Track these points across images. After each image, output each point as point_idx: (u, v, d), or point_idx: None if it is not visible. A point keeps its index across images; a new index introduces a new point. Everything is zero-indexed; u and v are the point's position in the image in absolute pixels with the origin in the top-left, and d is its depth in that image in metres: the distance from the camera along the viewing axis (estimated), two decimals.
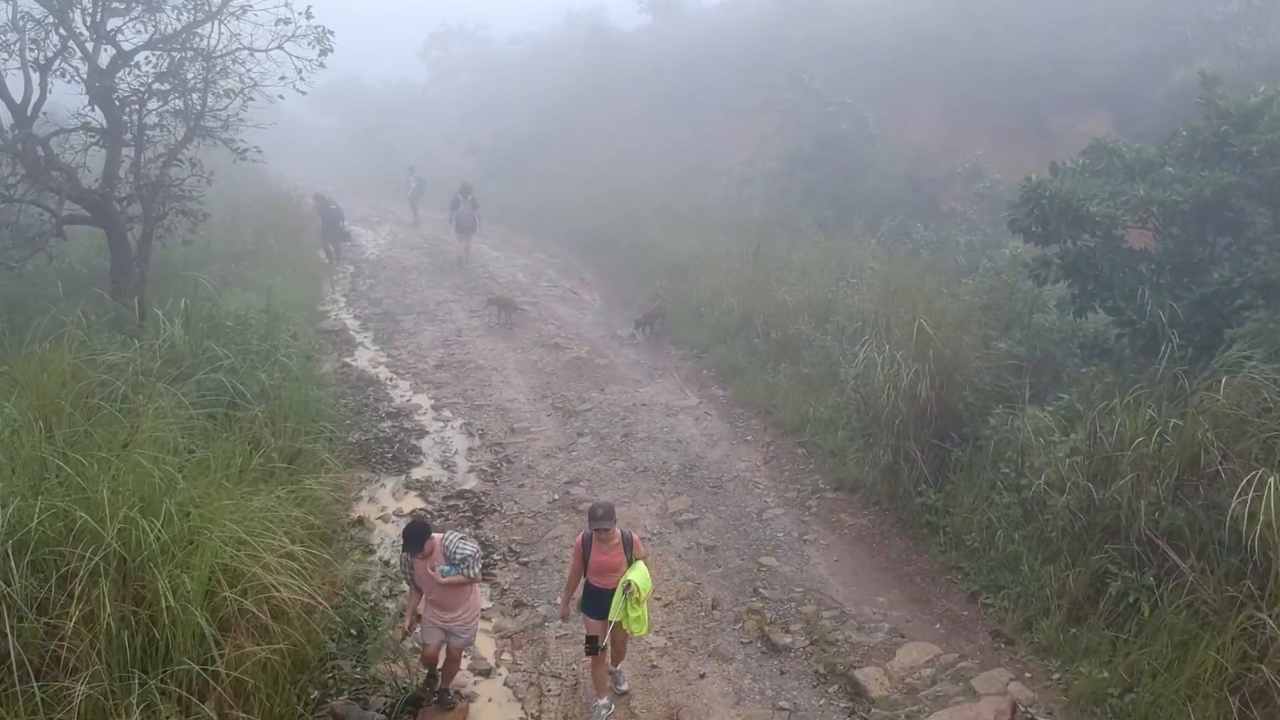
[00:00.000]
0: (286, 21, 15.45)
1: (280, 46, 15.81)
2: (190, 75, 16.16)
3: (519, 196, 33.54)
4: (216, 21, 15.86)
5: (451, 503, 12.36)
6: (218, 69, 16.05)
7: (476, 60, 66.67)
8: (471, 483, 12.91)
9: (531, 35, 59.75)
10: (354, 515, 11.83)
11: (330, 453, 12.29)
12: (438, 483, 12.88)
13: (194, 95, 16.14)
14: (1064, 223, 10.87)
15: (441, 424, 14.79)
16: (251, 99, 16.37)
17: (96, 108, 15.25)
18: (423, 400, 15.73)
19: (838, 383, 13.51)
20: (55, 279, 17.19)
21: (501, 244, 28.58)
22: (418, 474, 13.14)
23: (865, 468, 11.87)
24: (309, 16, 15.53)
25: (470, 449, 13.90)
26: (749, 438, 13.86)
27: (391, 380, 16.60)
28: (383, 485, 12.79)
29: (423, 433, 14.45)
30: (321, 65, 15.97)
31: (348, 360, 17.63)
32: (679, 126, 34.86)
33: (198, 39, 16.05)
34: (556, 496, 12.37)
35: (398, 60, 72.10)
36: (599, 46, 41.06)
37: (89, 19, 14.78)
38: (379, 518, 11.92)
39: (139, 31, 15.94)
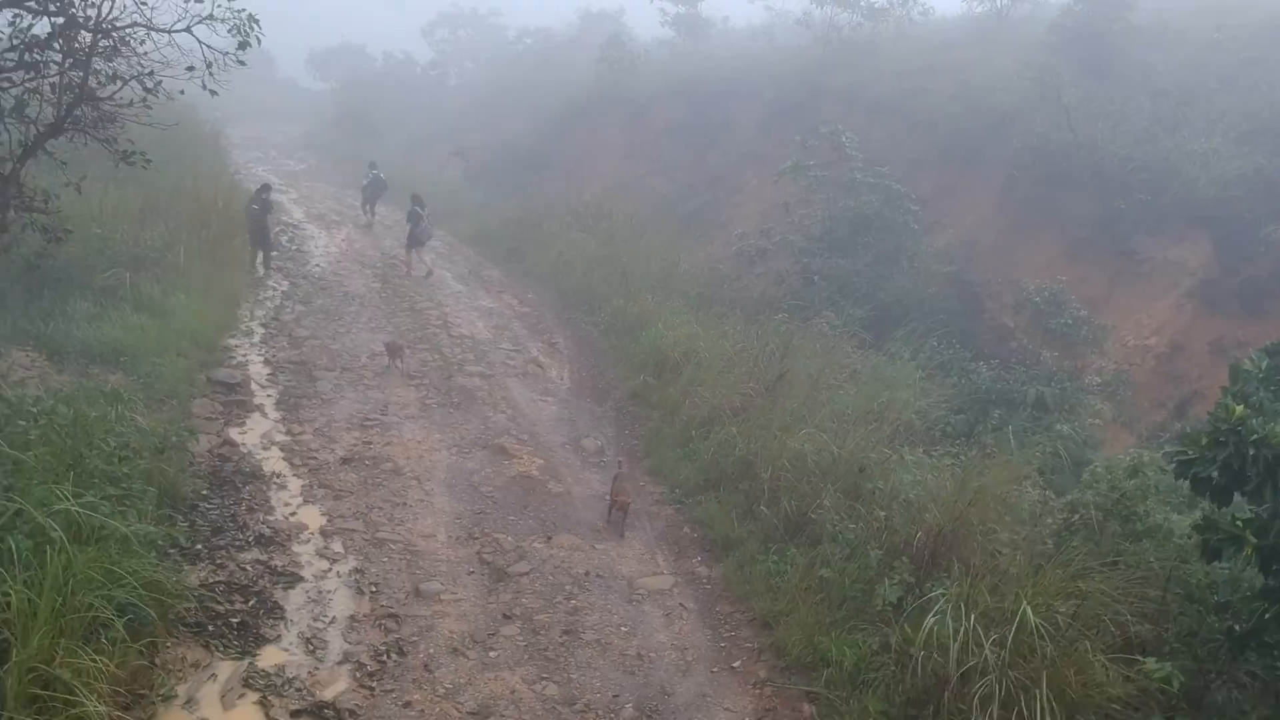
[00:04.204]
0: None
1: (189, 29, 11.93)
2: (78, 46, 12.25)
3: (499, 216, 29.66)
4: None
5: None
6: (105, 45, 12.13)
7: (484, 48, 63.18)
8: (340, 685, 9.01)
9: (543, 31, 55.96)
10: None
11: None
12: (292, 680, 8.96)
13: (75, 73, 12.27)
14: (1268, 484, 7.13)
15: (326, 566, 10.88)
16: (148, 90, 12.46)
17: None
18: (312, 518, 11.84)
19: (870, 609, 9.73)
20: None
21: (470, 276, 24.65)
22: (267, 658, 9.21)
23: None
24: None
25: (353, 619, 9.99)
26: (736, 664, 9.97)
27: (279, 478, 12.67)
28: (213, 676, 8.86)
29: (295, 580, 10.53)
30: (241, 62, 12.10)
31: (234, 435, 13.70)
32: (689, 164, 31.28)
33: (83, 3, 12.13)
34: None
35: (405, 36, 68.53)
36: (614, 59, 37.17)
37: None
38: None
39: None
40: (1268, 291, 15.88)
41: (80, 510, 8.36)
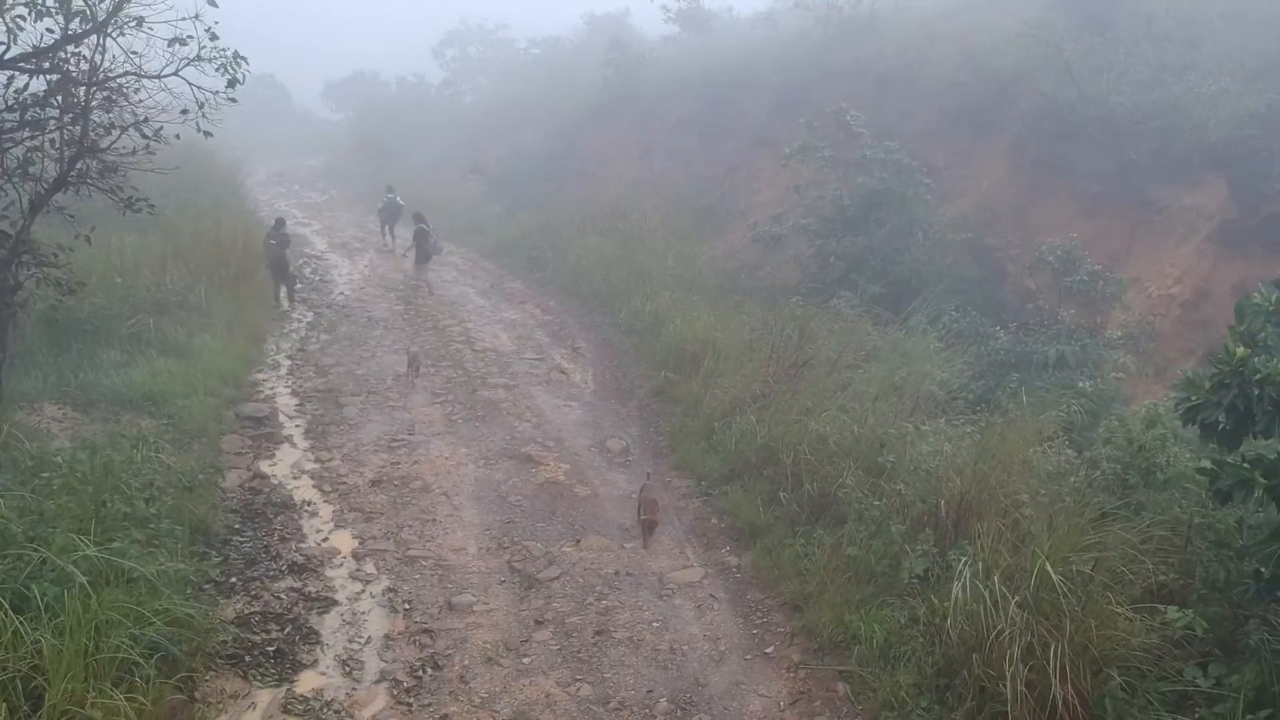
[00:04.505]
0: (183, 42, 11.75)
1: (177, 73, 12.11)
2: (75, 100, 12.44)
3: (519, 228, 29.82)
4: (102, 35, 12.15)
5: None
6: (100, 96, 12.32)
7: (496, 63, 63.42)
8: (378, 704, 9.11)
9: (552, 40, 56.12)
10: None
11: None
12: (330, 703, 9.07)
13: (74, 127, 12.46)
14: (1276, 423, 7.04)
15: (359, 587, 11.00)
16: (147, 138, 12.63)
17: None
18: (343, 541, 11.96)
19: (898, 583, 9.71)
20: None
21: (492, 290, 24.84)
22: (305, 683, 9.33)
23: None
24: (214, 37, 11.81)
25: (388, 637, 10.10)
26: (769, 650, 9.99)
27: (310, 506, 12.81)
28: (252, 705, 8.99)
29: (329, 604, 10.65)
30: (232, 99, 12.25)
31: (264, 467, 13.87)
32: (704, 157, 31.26)
33: (76, 58, 12.32)
34: None
35: (417, 58, 68.87)
36: (618, 61, 37.23)
37: None
38: None
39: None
40: None
41: (99, 555, 8.51)
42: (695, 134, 33.05)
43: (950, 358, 14.83)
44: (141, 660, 8.01)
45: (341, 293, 24.07)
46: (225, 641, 9.61)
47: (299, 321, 21.28)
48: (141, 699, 7.78)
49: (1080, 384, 13.05)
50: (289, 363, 18.48)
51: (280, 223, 22.59)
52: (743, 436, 13.25)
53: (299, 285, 23.19)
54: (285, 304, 22.05)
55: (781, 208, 23.39)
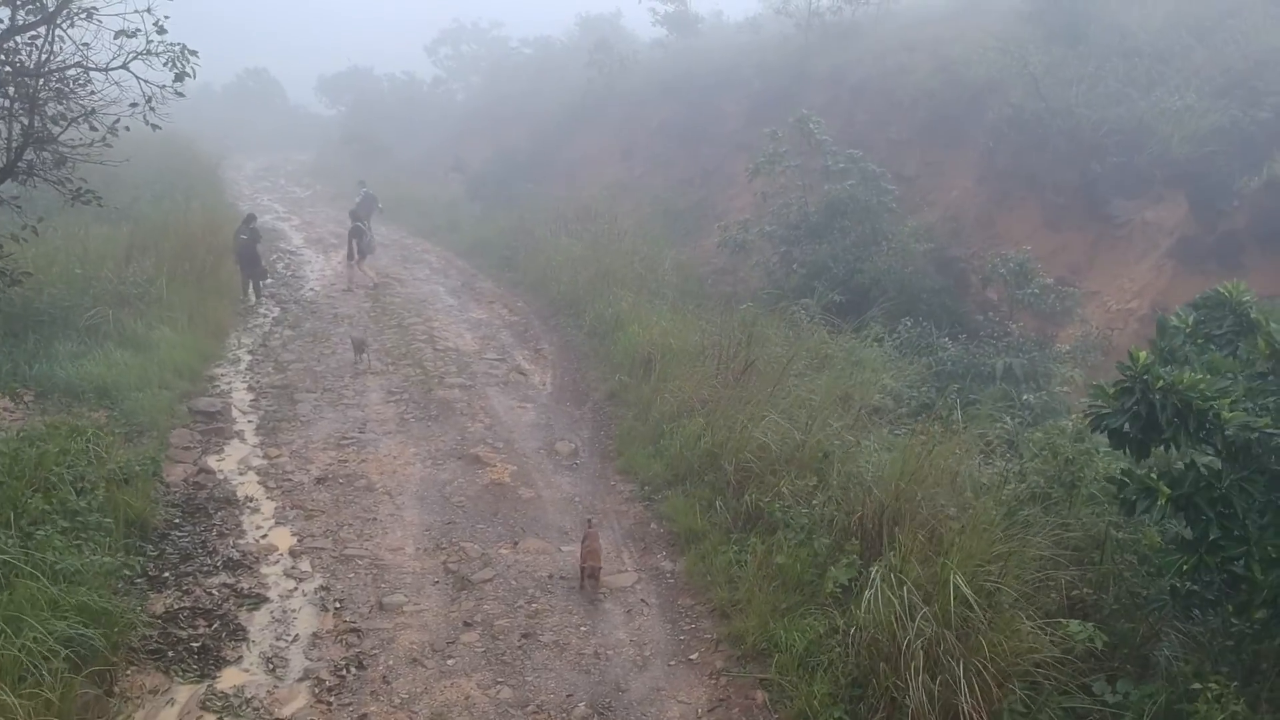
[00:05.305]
0: (131, 34, 11.74)
1: (125, 66, 12.10)
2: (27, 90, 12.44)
3: (496, 227, 29.83)
4: (52, 26, 12.16)
5: None
6: (50, 88, 12.33)
7: (489, 61, 63.46)
8: (298, 702, 9.10)
9: (543, 40, 56.16)
10: None
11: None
12: (250, 700, 9.05)
13: (24, 118, 12.47)
14: (1180, 432, 7.07)
15: (292, 585, 10.99)
16: (96, 128, 12.64)
17: None
18: (282, 539, 11.95)
19: (822, 592, 9.72)
20: None
21: (462, 289, 24.85)
22: (227, 680, 9.32)
23: None
24: (162, 30, 11.80)
25: (316, 635, 10.09)
26: (694, 656, 9.98)
27: (253, 503, 12.79)
28: (171, 701, 8.97)
29: (260, 600, 10.64)
30: (180, 94, 12.24)
31: (211, 462, 13.86)
32: (684, 160, 31.35)
33: (29, 49, 12.33)
34: None
35: (411, 55, 68.91)
36: (602, 63, 37.29)
37: None
38: None
39: None
40: (1244, 245, 15.65)
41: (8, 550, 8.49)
42: (676, 137, 33.13)
43: (902, 367, 14.85)
44: (45, 657, 7.97)
45: (311, 289, 24.06)
46: (149, 636, 9.62)
47: (264, 317, 21.28)
48: (48, 694, 7.77)
49: (1025, 396, 13.08)
50: (249, 358, 18.48)
51: (250, 217, 22.59)
52: (687, 441, 13.25)
53: (269, 280, 23.17)
54: (252, 299, 22.03)
55: (754, 213, 23.42)
